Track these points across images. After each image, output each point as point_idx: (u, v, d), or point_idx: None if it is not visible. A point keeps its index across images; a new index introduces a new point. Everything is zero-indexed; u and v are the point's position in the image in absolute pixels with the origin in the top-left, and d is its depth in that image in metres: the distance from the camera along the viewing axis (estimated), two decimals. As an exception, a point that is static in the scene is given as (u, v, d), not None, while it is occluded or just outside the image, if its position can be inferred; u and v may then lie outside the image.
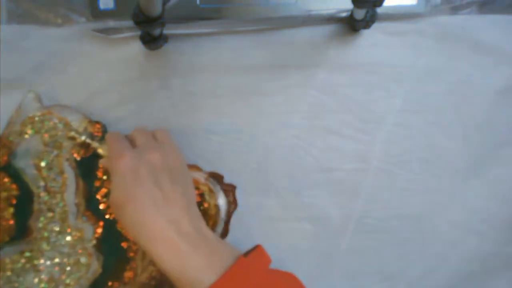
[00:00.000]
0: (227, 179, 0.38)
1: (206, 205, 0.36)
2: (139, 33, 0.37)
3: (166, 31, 0.37)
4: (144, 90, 0.39)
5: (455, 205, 0.40)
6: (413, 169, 0.40)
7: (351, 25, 0.39)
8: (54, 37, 0.38)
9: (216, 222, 0.35)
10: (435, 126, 0.40)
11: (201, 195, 0.36)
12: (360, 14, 0.36)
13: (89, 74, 0.38)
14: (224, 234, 0.36)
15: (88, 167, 0.36)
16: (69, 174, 0.36)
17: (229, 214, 0.36)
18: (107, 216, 0.36)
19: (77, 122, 0.36)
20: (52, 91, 0.38)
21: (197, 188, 0.36)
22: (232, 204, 0.37)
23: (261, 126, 0.39)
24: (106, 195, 0.36)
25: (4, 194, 0.35)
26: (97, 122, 0.37)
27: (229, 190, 0.37)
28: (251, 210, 0.39)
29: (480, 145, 0.40)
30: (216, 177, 0.37)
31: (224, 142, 0.39)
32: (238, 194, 0.38)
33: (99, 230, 0.36)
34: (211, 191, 0.36)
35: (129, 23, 0.35)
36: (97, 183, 0.36)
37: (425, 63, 0.40)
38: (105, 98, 0.39)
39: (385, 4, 0.34)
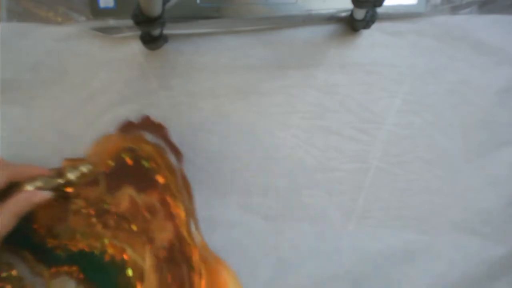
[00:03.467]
0: (227, 179, 0.38)
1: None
2: (139, 32, 0.36)
3: (166, 31, 0.37)
4: (144, 90, 0.39)
5: (456, 206, 0.40)
6: (413, 169, 0.40)
7: (351, 25, 0.39)
8: (53, 36, 0.38)
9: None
10: (435, 126, 0.40)
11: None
12: (360, 14, 0.36)
13: (89, 73, 0.38)
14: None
15: None
16: None
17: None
18: None
19: None
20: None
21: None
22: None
23: (261, 126, 0.39)
24: None
25: None
26: None
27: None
28: (251, 210, 0.39)
29: (480, 145, 0.40)
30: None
31: (224, 142, 0.39)
32: (239, 194, 0.38)
33: None
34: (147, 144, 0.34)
35: (129, 22, 0.35)
36: None
37: (425, 63, 0.40)
38: (105, 98, 0.39)
39: (385, 4, 0.34)
